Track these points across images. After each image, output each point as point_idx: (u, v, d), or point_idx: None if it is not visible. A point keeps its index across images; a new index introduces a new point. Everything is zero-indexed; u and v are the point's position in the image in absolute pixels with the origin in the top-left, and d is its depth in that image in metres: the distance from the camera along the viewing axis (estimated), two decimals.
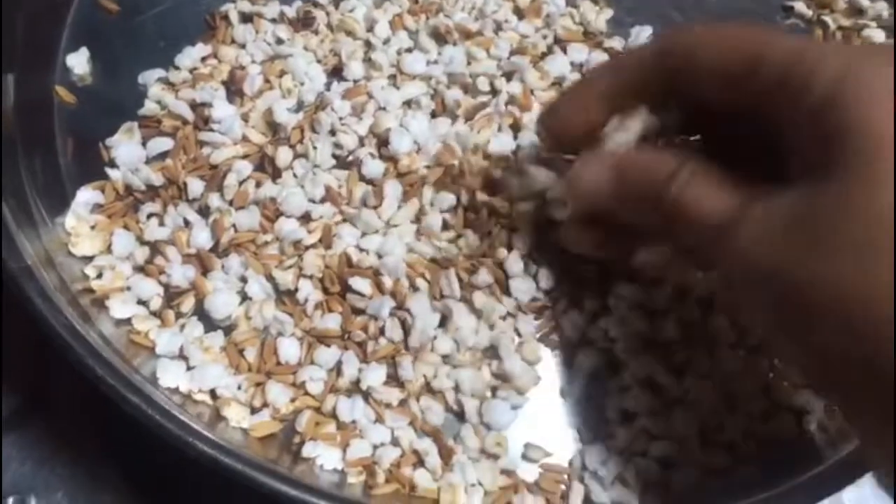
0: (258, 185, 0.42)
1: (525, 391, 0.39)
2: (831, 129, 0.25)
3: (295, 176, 0.42)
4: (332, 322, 0.39)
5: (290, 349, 0.39)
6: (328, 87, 0.45)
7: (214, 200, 0.41)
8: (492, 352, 0.39)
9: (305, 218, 0.41)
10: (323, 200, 0.42)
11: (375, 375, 0.38)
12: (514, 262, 0.40)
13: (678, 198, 0.29)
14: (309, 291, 0.40)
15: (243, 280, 0.40)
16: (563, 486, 0.38)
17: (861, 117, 0.24)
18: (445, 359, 0.39)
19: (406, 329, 0.39)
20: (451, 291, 0.39)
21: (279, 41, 0.46)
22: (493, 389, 0.39)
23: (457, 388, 0.39)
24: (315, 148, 0.42)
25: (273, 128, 0.43)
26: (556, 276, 0.40)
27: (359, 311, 0.40)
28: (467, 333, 0.39)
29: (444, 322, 0.39)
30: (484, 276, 0.40)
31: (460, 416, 0.39)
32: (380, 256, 0.40)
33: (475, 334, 0.39)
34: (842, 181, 0.24)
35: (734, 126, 0.31)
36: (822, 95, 0.25)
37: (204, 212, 0.42)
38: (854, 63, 0.25)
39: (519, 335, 0.40)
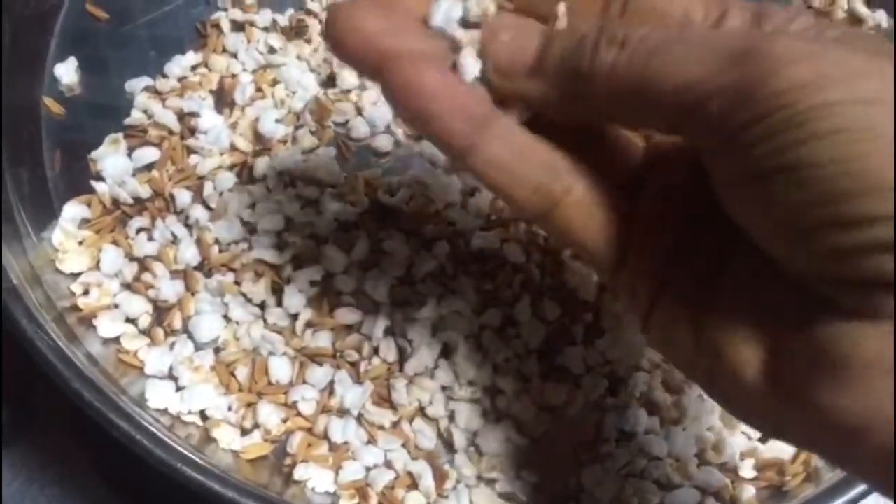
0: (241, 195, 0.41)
1: (535, 436, 0.38)
2: None
3: (267, 189, 0.41)
4: (323, 341, 0.39)
5: (281, 369, 0.38)
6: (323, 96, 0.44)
7: (197, 212, 0.40)
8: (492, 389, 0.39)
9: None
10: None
11: (364, 396, 0.37)
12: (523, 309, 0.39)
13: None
14: (298, 308, 0.39)
15: (226, 304, 0.39)
16: None
17: None
18: (444, 389, 0.38)
19: (404, 356, 0.38)
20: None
21: (271, 50, 0.45)
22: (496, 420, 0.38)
23: (451, 418, 0.38)
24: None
25: (259, 139, 0.42)
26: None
27: (351, 330, 0.39)
28: (468, 368, 0.38)
29: (445, 353, 0.39)
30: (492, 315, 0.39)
31: (450, 445, 0.38)
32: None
33: (477, 369, 0.38)
34: None
35: None
36: None
37: (190, 224, 0.41)
38: None
39: (526, 380, 0.39)
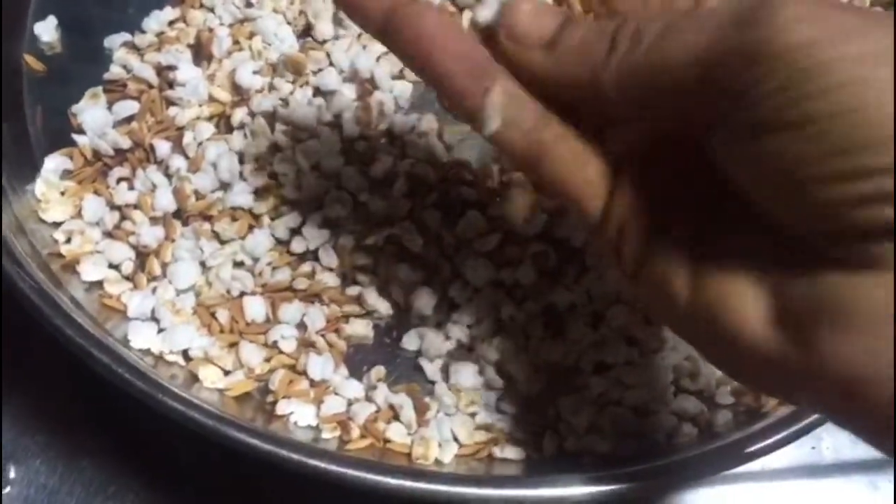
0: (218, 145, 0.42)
1: (527, 396, 0.39)
2: None
3: (245, 137, 0.42)
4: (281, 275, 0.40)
5: (254, 307, 0.39)
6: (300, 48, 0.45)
7: (176, 162, 0.41)
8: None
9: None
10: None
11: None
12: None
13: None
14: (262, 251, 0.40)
15: (201, 249, 0.40)
16: (536, 436, 0.38)
17: None
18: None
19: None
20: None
21: (248, 4, 0.46)
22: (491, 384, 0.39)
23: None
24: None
25: (237, 90, 0.43)
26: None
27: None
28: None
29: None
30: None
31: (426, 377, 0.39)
32: None
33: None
34: None
35: None
36: None
37: (170, 174, 0.42)
38: None
39: (527, 337, 0.39)
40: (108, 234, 0.41)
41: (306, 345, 0.39)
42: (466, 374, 0.38)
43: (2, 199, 0.39)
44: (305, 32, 0.45)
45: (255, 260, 0.40)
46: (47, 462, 0.41)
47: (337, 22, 0.45)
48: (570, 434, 0.37)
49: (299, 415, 0.37)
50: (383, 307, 0.40)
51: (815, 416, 0.35)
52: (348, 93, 0.43)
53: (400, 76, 0.44)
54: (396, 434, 0.37)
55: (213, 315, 0.39)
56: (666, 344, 0.39)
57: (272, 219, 0.41)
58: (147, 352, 0.38)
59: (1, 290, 0.37)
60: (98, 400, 0.42)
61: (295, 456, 0.33)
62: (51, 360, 0.42)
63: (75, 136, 0.42)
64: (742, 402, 0.38)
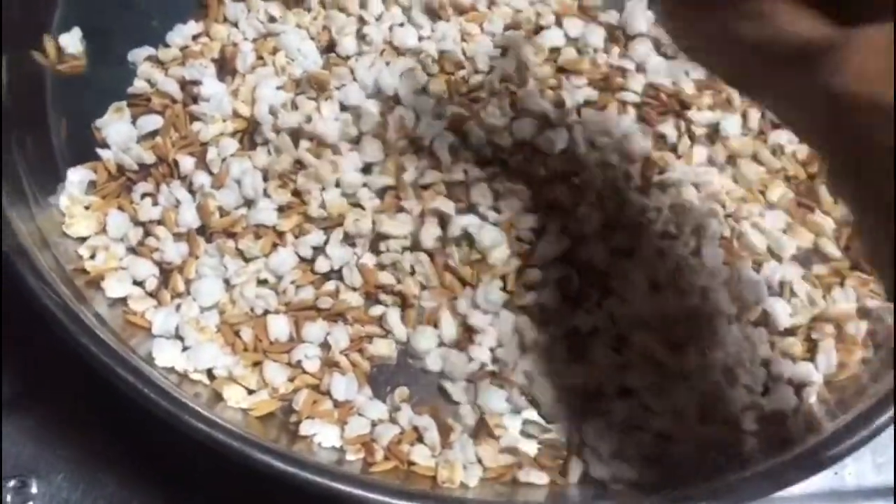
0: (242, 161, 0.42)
1: (551, 420, 0.39)
2: None
3: (269, 153, 0.42)
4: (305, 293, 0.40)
5: (278, 325, 0.39)
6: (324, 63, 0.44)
7: (200, 178, 0.41)
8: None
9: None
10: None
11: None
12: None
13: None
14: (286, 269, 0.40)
15: (225, 266, 0.40)
16: (561, 462, 0.38)
17: None
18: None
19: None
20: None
21: (272, 19, 0.46)
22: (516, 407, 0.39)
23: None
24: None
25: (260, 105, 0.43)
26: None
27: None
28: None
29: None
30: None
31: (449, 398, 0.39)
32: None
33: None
34: None
35: None
36: None
37: (194, 190, 0.42)
38: None
39: (550, 362, 0.39)
40: (132, 250, 0.41)
41: (330, 364, 0.39)
42: (492, 397, 0.38)
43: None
44: (329, 48, 0.45)
45: (279, 278, 0.40)
46: (69, 477, 0.41)
47: (360, 38, 0.45)
48: (594, 459, 0.37)
49: (323, 436, 0.37)
50: (401, 331, 0.40)
51: (841, 447, 0.35)
52: (372, 108, 0.43)
53: (423, 92, 0.44)
54: (421, 456, 0.37)
55: (236, 333, 0.39)
56: (691, 369, 0.39)
57: (296, 236, 0.41)
58: (171, 370, 0.38)
59: (10, 305, 0.37)
60: (119, 412, 0.41)
61: (322, 480, 0.33)
62: (72, 373, 0.42)
63: (99, 151, 0.42)
64: (769, 430, 0.38)
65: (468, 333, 0.40)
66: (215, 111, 0.43)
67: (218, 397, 0.38)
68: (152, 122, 0.43)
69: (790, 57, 0.26)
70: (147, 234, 0.41)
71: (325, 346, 0.39)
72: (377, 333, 0.40)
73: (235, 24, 0.46)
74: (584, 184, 0.42)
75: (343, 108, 0.43)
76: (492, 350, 0.39)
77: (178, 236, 0.41)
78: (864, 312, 0.41)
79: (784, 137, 0.44)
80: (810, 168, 0.43)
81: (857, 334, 0.40)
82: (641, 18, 0.46)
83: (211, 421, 0.34)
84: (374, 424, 0.38)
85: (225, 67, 0.44)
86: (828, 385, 0.39)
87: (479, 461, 0.37)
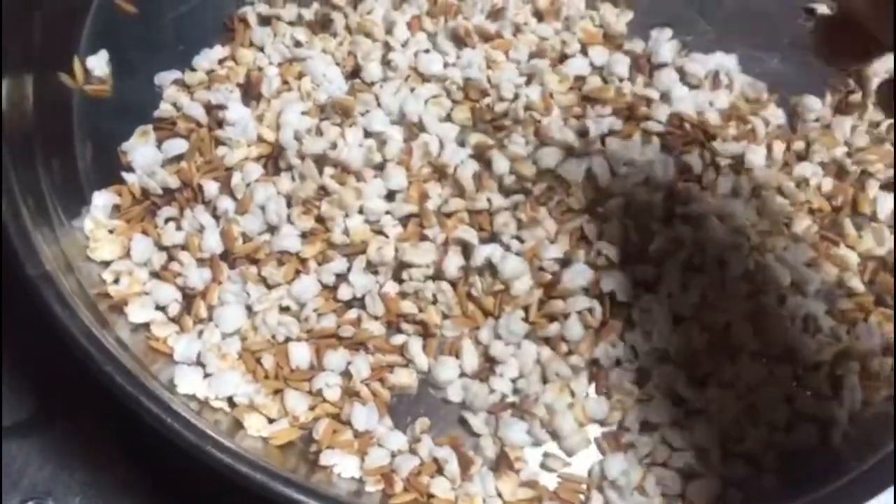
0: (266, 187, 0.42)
1: (572, 454, 0.39)
2: None
3: (293, 179, 0.42)
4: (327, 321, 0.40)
5: (299, 353, 0.39)
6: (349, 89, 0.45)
7: (224, 203, 0.41)
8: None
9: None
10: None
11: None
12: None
13: None
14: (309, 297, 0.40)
15: (248, 293, 0.40)
16: (581, 496, 0.38)
17: None
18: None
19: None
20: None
21: (297, 44, 0.46)
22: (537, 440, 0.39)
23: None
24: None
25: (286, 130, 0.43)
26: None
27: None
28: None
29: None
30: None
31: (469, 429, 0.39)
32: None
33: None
34: None
35: None
36: None
37: (218, 215, 0.42)
38: None
39: (572, 395, 0.39)
40: (156, 275, 0.41)
41: (350, 394, 0.39)
42: (513, 429, 0.38)
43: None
44: (354, 73, 0.45)
45: (301, 305, 0.40)
46: (86, 500, 0.41)
47: (385, 63, 0.45)
48: (615, 494, 0.37)
49: (343, 466, 0.37)
50: (422, 361, 0.39)
51: (866, 487, 0.35)
52: (396, 135, 0.43)
53: (447, 119, 0.44)
54: (440, 489, 0.37)
55: (258, 360, 0.39)
56: (712, 405, 0.39)
57: (319, 263, 0.41)
58: (192, 397, 0.38)
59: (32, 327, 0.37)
60: (138, 436, 0.41)
61: None
62: (91, 395, 0.42)
63: (124, 175, 0.42)
64: (791, 469, 0.38)
65: (489, 364, 0.40)
66: (240, 136, 0.43)
67: (238, 425, 0.38)
68: (177, 146, 0.43)
69: None
70: (170, 258, 0.41)
71: (346, 374, 0.39)
72: (398, 363, 0.40)
73: (261, 49, 0.46)
74: (607, 214, 0.42)
75: (367, 134, 0.43)
76: (513, 381, 0.39)
77: (201, 262, 0.41)
78: (887, 349, 0.40)
79: (808, 170, 0.43)
80: (835, 201, 0.43)
81: (881, 371, 0.40)
82: (666, 47, 0.46)
83: (233, 452, 0.34)
84: (393, 455, 0.38)
85: (250, 92, 0.45)
86: (852, 423, 0.39)
87: (499, 494, 0.37)
